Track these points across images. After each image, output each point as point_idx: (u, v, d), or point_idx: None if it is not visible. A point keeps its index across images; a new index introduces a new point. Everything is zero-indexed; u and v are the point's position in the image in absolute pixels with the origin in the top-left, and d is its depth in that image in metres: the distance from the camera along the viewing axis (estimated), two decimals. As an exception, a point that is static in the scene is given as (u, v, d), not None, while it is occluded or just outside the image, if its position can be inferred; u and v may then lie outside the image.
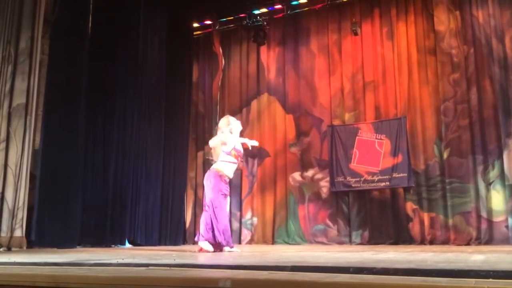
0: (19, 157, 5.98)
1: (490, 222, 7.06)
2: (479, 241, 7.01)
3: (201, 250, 4.99)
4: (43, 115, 6.59)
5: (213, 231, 4.99)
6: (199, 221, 5.26)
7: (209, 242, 4.98)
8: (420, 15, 8.15)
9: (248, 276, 2.18)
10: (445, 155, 7.54)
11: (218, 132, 5.34)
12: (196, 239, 5.27)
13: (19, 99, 6.13)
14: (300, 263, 2.81)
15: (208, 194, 5.14)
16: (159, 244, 7.89)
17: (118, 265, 2.91)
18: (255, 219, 8.88)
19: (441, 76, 7.77)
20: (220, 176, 5.16)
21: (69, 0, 6.96)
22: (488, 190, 7.17)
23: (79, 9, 7.16)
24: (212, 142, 5.46)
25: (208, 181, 5.17)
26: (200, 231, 5.07)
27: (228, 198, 5.31)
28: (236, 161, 5.28)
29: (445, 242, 7.25)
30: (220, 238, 4.99)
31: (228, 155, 5.20)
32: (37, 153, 6.57)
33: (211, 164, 5.47)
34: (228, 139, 5.19)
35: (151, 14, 8.36)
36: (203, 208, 5.23)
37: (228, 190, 5.33)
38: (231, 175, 5.30)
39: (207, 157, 8.93)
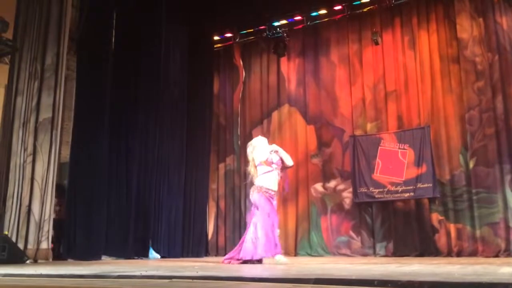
0: (45, 171, 6.12)
1: (519, 233, 6.86)
2: (508, 252, 6.80)
3: (230, 262, 5.14)
4: (72, 129, 6.75)
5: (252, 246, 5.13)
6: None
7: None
8: (442, 23, 8.05)
9: (271, 288, 2.17)
10: (471, 165, 7.37)
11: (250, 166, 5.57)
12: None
13: (45, 113, 6.29)
14: (324, 276, 2.78)
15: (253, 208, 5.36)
16: (182, 256, 7.92)
17: (141, 277, 2.92)
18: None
19: (465, 84, 7.63)
20: (261, 191, 5.32)
21: (94, 18, 7.15)
22: (516, 200, 6.97)
23: (103, 26, 7.35)
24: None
25: (251, 197, 5.43)
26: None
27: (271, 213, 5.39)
28: (270, 168, 5.42)
29: (473, 254, 7.06)
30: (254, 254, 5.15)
31: (261, 166, 5.41)
32: (64, 166, 6.71)
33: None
34: (252, 170, 5.48)
35: (172, 28, 8.51)
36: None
37: (270, 205, 5.40)
38: (272, 187, 5.41)
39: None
